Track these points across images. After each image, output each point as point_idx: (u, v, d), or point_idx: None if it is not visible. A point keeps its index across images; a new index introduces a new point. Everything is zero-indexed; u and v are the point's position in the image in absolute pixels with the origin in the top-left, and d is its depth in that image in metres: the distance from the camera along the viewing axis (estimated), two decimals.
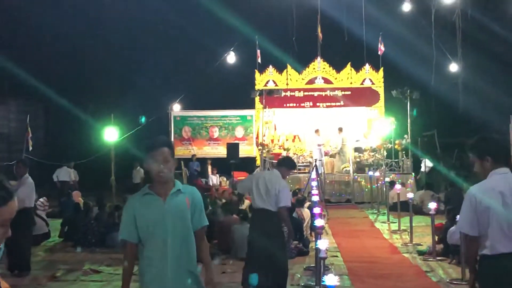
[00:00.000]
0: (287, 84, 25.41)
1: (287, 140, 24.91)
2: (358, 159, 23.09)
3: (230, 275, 9.84)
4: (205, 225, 4.38)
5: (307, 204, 13.93)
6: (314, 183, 15.46)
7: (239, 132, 26.28)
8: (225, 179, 24.48)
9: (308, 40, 26.26)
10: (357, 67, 25.58)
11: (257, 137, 25.06)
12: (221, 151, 25.14)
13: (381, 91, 25.33)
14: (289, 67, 25.57)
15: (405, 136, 22.80)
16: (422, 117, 25.09)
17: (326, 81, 25.52)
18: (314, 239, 10.21)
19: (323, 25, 25.40)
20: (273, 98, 23.77)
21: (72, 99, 25.53)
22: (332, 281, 4.71)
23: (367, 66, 25.47)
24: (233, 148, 22.54)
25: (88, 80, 30.18)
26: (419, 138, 24.91)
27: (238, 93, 25.61)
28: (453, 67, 25.76)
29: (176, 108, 26.70)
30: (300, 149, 24.40)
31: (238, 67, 26.79)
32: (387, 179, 20.21)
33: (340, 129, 23.40)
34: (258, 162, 24.12)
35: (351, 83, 25.47)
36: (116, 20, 29.09)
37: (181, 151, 25.83)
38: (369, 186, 21.31)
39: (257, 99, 24.73)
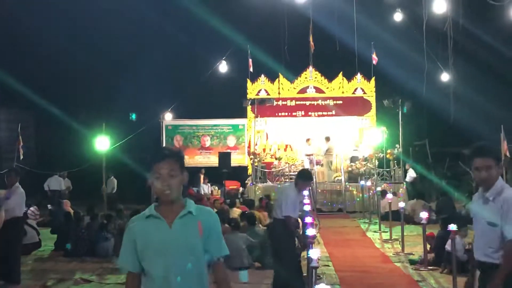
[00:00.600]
0: (279, 93, 25.44)
1: (279, 149, 24.90)
2: (350, 168, 23.10)
3: None
4: (225, 255, 3.61)
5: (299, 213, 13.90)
6: (305, 193, 15.42)
7: (231, 141, 26.25)
8: (216, 188, 24.46)
9: (300, 49, 26.31)
10: (349, 77, 25.64)
11: (249, 146, 25.04)
12: (213, 160, 25.09)
13: (372, 100, 25.40)
14: (281, 76, 25.61)
15: (397, 145, 22.82)
16: (413, 126, 25.16)
17: (318, 90, 25.56)
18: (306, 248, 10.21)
19: (315, 35, 25.46)
20: (265, 107, 23.81)
21: (64, 108, 25.48)
22: None
23: (358, 76, 25.54)
24: (224, 157, 22.52)
25: (80, 89, 30.13)
26: (411, 148, 25.00)
27: (230, 102, 25.62)
28: (445, 77, 25.85)
29: (168, 117, 26.65)
30: (292, 158, 24.40)
31: (230, 76, 26.80)
32: (378, 189, 20.21)
33: (327, 138, 23.41)
34: (249, 171, 24.08)
35: (342, 92, 25.52)
36: (108, 30, 29.05)
37: None
38: (360, 195, 21.31)
39: (249, 108, 24.71)
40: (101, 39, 29.51)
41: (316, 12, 25.29)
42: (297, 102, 25.45)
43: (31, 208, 16.67)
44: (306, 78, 25.71)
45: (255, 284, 9.96)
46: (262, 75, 25.77)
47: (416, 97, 25.18)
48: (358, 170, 22.89)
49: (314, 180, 21.17)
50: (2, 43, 27.59)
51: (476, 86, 25.82)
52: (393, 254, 12.90)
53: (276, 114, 25.35)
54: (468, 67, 25.63)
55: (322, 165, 23.30)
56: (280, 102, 25.21)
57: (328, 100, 25.26)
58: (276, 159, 23.92)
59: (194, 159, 26.18)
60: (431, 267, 10.99)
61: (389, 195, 16.82)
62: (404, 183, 22.45)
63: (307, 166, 22.24)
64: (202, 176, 24.53)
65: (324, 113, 25.25)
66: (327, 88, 25.63)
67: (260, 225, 12.97)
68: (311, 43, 25.31)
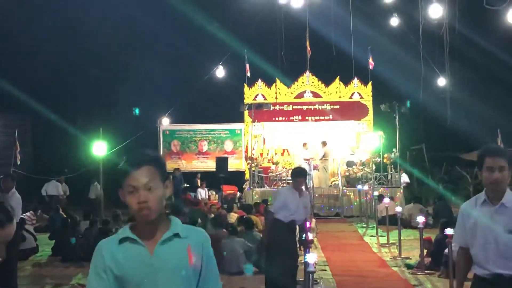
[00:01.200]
0: (276, 98, 25.45)
1: (276, 154, 24.88)
2: (347, 173, 23.11)
3: None
4: None
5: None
6: None
7: (228, 146, 26.25)
8: (214, 193, 24.43)
9: (297, 54, 26.36)
10: (346, 81, 25.68)
11: (246, 151, 25.04)
12: (210, 165, 25.06)
13: (369, 105, 25.43)
14: (278, 81, 25.62)
15: (394, 150, 22.86)
16: (410, 131, 25.20)
17: (315, 95, 25.59)
18: (303, 253, 10.21)
19: (312, 40, 25.50)
20: (262, 112, 23.83)
21: (61, 113, 25.50)
22: None
23: (355, 80, 25.59)
24: (222, 162, 22.51)
25: (77, 94, 30.15)
26: (408, 152, 25.02)
27: (227, 106, 25.67)
28: (441, 81, 25.91)
29: (165, 122, 26.64)
30: (289, 162, 24.36)
31: (227, 81, 26.83)
32: (375, 193, 20.21)
33: (324, 143, 23.40)
34: (247, 176, 24.08)
35: (339, 97, 25.55)
36: (105, 35, 29.11)
37: (170, 164, 25.79)
38: (358, 199, 21.32)
39: (246, 112, 24.72)
40: (99, 45, 29.58)
41: (313, 17, 25.35)
42: (294, 107, 25.46)
43: (27, 213, 16.67)
44: (303, 82, 25.74)
45: None
46: (259, 80, 25.78)
47: (413, 101, 25.24)
48: (355, 175, 22.92)
49: (312, 184, 21.19)
50: None
51: (473, 90, 25.92)
52: (390, 258, 12.91)
53: (273, 118, 25.35)
54: (464, 71, 25.73)
55: (318, 170, 23.29)
56: (277, 107, 25.23)
57: (325, 105, 25.27)
58: (273, 163, 23.92)
59: (192, 163, 26.17)
60: (428, 271, 11.00)
61: (386, 200, 16.83)
62: (402, 187, 22.47)
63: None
64: (199, 181, 24.51)
65: (321, 117, 25.26)
66: (324, 92, 25.66)
67: (257, 230, 12.97)
68: (308, 48, 25.34)
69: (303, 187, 8.97)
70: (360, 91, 25.55)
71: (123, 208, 19.83)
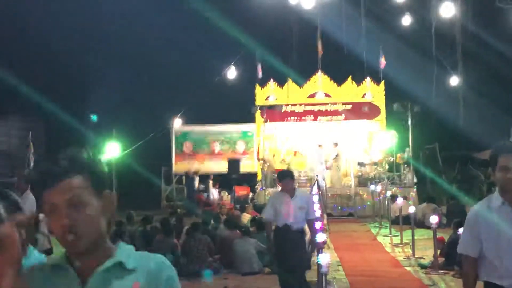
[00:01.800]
0: (288, 98, 25.41)
1: (288, 154, 24.86)
2: (360, 173, 23.08)
3: None
4: None
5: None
6: (315, 198, 15.43)
7: (240, 146, 26.27)
8: (226, 193, 24.46)
9: (308, 54, 26.34)
10: (358, 81, 25.61)
11: (258, 152, 25.03)
12: (222, 166, 25.10)
13: (382, 104, 25.32)
14: (290, 81, 25.57)
15: (407, 149, 22.78)
16: (423, 130, 25.10)
17: (327, 95, 25.53)
18: (315, 253, 10.21)
19: (324, 39, 25.48)
20: (273, 113, 23.82)
21: (74, 115, 25.61)
22: None
23: (367, 80, 25.50)
24: (234, 163, 22.57)
25: (90, 96, 30.26)
26: (421, 152, 24.91)
27: (239, 107, 25.65)
28: (454, 81, 25.80)
29: (177, 123, 26.68)
30: (300, 163, 24.35)
31: (239, 81, 26.84)
32: (388, 193, 20.15)
33: (335, 144, 23.39)
34: (259, 177, 24.08)
35: (352, 97, 25.47)
36: (117, 36, 29.22)
37: (182, 165, 25.88)
38: (371, 199, 21.27)
39: (258, 113, 24.70)
40: (111, 45, 29.72)
41: (324, 17, 25.34)
42: (306, 107, 25.40)
43: (41, 214, 16.76)
44: (315, 82, 25.68)
45: None
46: (271, 80, 25.75)
47: (426, 100, 25.16)
48: (368, 175, 22.88)
49: (324, 184, 21.18)
50: (12, 50, 27.79)
51: (485, 90, 25.79)
52: (403, 258, 12.87)
53: (285, 119, 25.28)
54: (477, 71, 25.61)
55: (331, 170, 23.28)
56: (289, 107, 25.19)
57: (337, 105, 25.21)
58: (285, 164, 23.90)
59: (204, 164, 26.20)
60: (441, 271, 10.96)
61: (399, 199, 16.79)
62: (414, 187, 22.40)
63: (319, 170, 22.27)
64: (211, 182, 24.54)
65: (333, 117, 25.21)
66: (336, 92, 25.60)
67: None
68: (319, 47, 25.30)
69: (294, 188, 8.59)
70: (372, 91, 25.45)
71: (137, 209, 19.93)
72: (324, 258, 6.18)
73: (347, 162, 23.54)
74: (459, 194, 20.33)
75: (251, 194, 23.76)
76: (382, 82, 25.37)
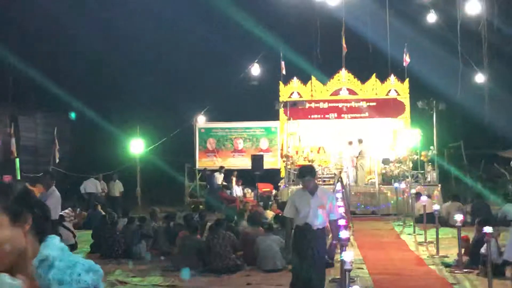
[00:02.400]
0: (311, 96, 25.36)
1: (311, 151, 24.81)
2: (384, 171, 22.98)
3: (255, 287, 9.84)
4: None
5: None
6: (339, 195, 15.39)
7: (264, 143, 26.30)
8: (249, 190, 24.47)
9: (332, 51, 26.27)
10: (382, 78, 25.46)
11: (281, 149, 25.02)
12: (246, 163, 25.16)
13: (406, 102, 25.17)
14: (313, 78, 25.49)
15: (431, 147, 22.62)
16: (448, 128, 24.92)
17: (351, 92, 25.42)
18: (339, 251, 10.19)
19: (348, 37, 25.38)
20: (297, 110, 23.78)
21: (99, 111, 25.84)
22: None
23: (392, 77, 25.33)
24: (257, 160, 22.57)
25: (115, 92, 30.49)
26: (445, 150, 24.74)
27: (263, 104, 25.67)
28: (479, 78, 25.55)
29: (201, 120, 26.77)
30: (324, 160, 24.27)
31: (262, 78, 26.87)
32: (413, 191, 20.04)
33: (360, 141, 23.27)
34: (282, 174, 24.08)
35: (376, 94, 25.34)
36: (143, 34, 29.40)
37: (206, 162, 26.00)
38: (395, 197, 21.16)
39: (281, 110, 24.68)
40: (136, 43, 29.89)
41: (349, 14, 25.26)
42: (330, 104, 25.34)
43: (66, 210, 16.95)
44: (339, 80, 25.58)
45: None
46: (295, 77, 25.70)
47: (451, 98, 24.96)
48: (392, 172, 22.76)
49: (347, 182, 21.11)
50: (39, 47, 28.08)
51: (511, 86, 25.51)
52: (427, 256, 12.80)
53: (309, 116, 25.25)
54: (503, 68, 25.34)
55: (355, 168, 23.20)
56: (312, 104, 25.14)
57: (361, 102, 25.11)
58: (309, 161, 23.82)
59: (227, 161, 26.28)
60: (466, 270, 10.88)
61: (424, 197, 16.67)
62: (439, 185, 22.25)
63: (347, 166, 22.29)
64: (234, 179, 24.57)
65: (357, 115, 25.12)
66: (360, 89, 25.47)
67: None
68: (344, 45, 25.22)
69: (315, 186, 8.26)
70: (396, 88, 25.28)
71: (160, 205, 20.07)
72: (348, 255, 6.17)
73: (371, 160, 23.43)
74: (484, 193, 20.16)
75: (274, 192, 23.77)
76: (407, 80, 25.21)
